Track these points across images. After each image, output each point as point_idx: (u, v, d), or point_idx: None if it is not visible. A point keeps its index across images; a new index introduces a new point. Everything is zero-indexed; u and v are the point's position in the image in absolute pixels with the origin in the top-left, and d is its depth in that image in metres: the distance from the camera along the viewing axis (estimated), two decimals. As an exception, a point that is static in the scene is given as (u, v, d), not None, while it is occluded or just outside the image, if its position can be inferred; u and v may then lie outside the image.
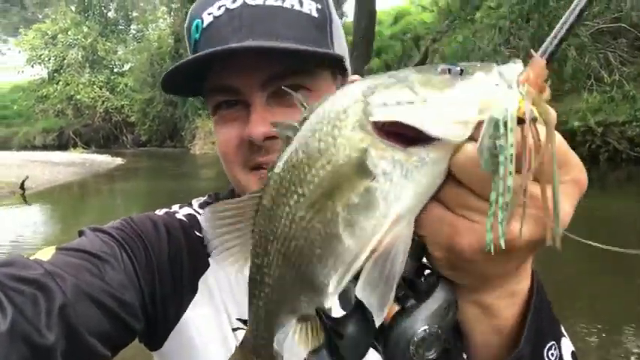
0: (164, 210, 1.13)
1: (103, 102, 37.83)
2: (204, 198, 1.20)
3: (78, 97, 37.39)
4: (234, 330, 1.02)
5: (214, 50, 0.90)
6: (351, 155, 0.53)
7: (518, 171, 0.49)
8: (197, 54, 0.93)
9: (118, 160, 25.50)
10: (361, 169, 0.53)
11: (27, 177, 14.55)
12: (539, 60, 0.53)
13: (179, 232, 1.07)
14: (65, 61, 38.10)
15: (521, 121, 0.49)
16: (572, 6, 0.61)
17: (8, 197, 13.76)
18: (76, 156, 27.57)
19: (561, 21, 0.61)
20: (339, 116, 0.55)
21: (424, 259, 0.61)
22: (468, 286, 0.62)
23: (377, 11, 19.94)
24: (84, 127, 38.67)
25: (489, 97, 0.51)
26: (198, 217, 1.12)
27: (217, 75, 0.96)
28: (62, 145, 36.23)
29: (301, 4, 0.97)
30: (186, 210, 1.14)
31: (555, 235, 0.50)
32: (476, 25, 12.84)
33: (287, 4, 0.96)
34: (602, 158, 14.03)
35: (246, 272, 0.65)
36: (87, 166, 22.50)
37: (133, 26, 42.90)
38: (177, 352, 1.03)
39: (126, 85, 37.85)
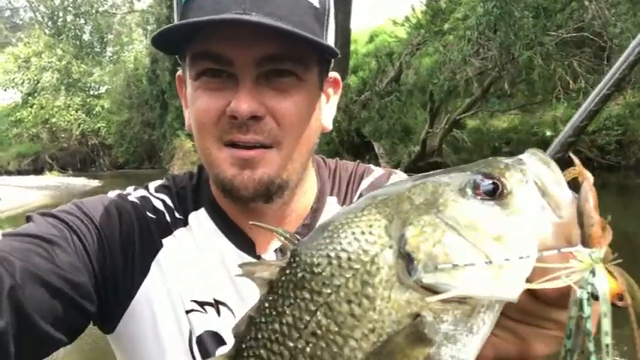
0: (116, 192, 1.12)
1: (79, 125, 37.26)
2: (162, 181, 1.17)
3: (53, 120, 36.86)
4: (187, 312, 1.00)
5: (223, 17, 0.87)
6: (401, 322, 0.43)
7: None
8: (210, 17, 0.88)
9: (95, 183, 25.05)
10: (419, 339, 0.42)
11: (-1, 199, 14.25)
12: (591, 184, 0.46)
13: (131, 213, 1.05)
14: (39, 85, 37.56)
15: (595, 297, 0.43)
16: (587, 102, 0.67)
17: (-22, 221, 13.44)
18: (51, 179, 27.07)
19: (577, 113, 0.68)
20: (367, 267, 0.44)
21: None
22: None
23: (352, 30, 20.32)
24: (60, 150, 37.96)
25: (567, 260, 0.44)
26: (152, 198, 1.10)
27: (211, 41, 0.93)
28: (37, 170, 35.36)
29: None
30: (140, 192, 1.11)
31: None
32: (445, 38, 13.15)
33: None
34: (575, 167, 14.42)
35: None
36: (62, 189, 22.11)
37: (108, 48, 42.76)
38: (131, 333, 1.02)
39: (102, 107, 37.43)
